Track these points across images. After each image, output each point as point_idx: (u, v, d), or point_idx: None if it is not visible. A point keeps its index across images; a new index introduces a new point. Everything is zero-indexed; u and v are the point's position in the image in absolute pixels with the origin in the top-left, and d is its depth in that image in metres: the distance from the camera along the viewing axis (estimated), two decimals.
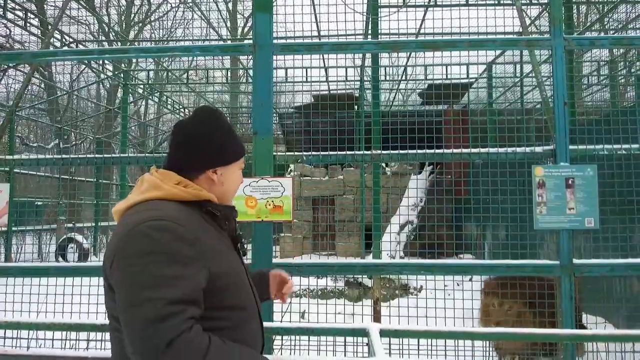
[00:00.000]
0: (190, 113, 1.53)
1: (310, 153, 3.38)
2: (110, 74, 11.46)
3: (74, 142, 19.50)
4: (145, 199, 1.35)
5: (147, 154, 3.70)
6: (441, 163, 9.75)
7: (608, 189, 3.51)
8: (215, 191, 1.47)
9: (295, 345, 3.05)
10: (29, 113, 15.23)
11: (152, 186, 1.38)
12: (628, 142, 3.32)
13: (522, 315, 3.55)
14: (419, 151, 3.27)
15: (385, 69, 10.56)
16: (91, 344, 3.39)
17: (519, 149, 3.19)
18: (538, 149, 3.18)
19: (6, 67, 10.01)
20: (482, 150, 3.22)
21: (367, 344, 2.08)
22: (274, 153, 3.31)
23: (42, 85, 16.99)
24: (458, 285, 4.25)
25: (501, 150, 3.21)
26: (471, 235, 8.30)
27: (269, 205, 3.26)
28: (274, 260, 3.20)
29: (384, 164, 10.55)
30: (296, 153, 3.40)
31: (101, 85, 21.57)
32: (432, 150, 3.26)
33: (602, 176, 3.14)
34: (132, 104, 19.30)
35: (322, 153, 3.38)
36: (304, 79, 9.76)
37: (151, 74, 12.73)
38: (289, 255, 10.65)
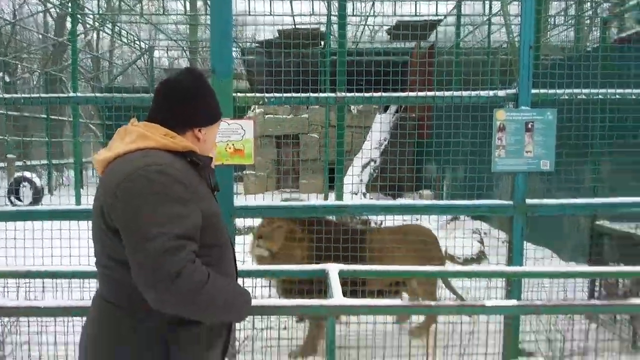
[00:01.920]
0: (179, 72, 1.60)
1: (272, 95, 3.26)
2: (57, 2, 10.52)
3: (20, 76, 18.28)
4: (136, 148, 1.43)
5: (97, 95, 3.47)
6: (406, 107, 9.74)
7: (565, 133, 3.59)
8: (198, 146, 1.59)
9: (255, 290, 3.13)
10: None
11: (140, 137, 1.46)
12: (588, 87, 3.36)
13: (294, 233, 3.39)
14: (384, 94, 3.20)
15: (353, 3, 10.16)
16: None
17: (482, 93, 3.18)
18: (501, 93, 3.18)
19: None
20: (446, 93, 3.18)
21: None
22: (234, 94, 3.17)
23: None
24: (417, 220, 4.37)
25: (465, 93, 3.18)
26: (432, 174, 8.50)
27: (229, 148, 3.17)
28: (236, 203, 3.17)
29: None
30: (257, 94, 3.26)
31: (49, 15, 19.91)
32: (396, 94, 3.20)
33: (560, 120, 3.20)
34: (83, 35, 18.00)
35: (284, 95, 3.26)
36: (268, 12, 9.28)
37: (103, 3, 11.80)
38: (253, 193, 10.66)
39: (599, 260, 3.63)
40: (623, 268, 2.72)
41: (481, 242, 5.72)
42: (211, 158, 1.65)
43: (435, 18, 9.20)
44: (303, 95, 3.29)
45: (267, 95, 3.29)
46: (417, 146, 8.28)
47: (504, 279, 3.06)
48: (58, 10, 16.17)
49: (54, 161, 12.51)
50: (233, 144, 3.20)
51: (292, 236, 3.35)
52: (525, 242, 3.21)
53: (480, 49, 8.93)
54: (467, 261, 5.30)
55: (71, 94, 3.46)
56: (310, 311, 1.75)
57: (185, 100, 1.54)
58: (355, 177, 8.66)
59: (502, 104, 3.23)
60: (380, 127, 9.53)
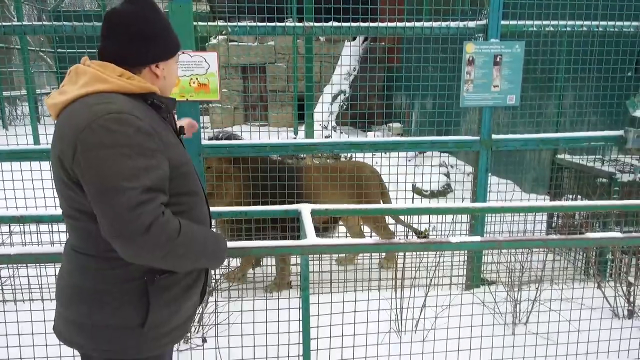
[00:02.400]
0: (124, 1, 1.43)
1: (236, 24, 3.10)
2: None
3: None
4: (90, 91, 1.32)
5: (45, 23, 3.20)
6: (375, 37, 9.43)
7: (531, 67, 3.60)
8: (157, 85, 1.47)
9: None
10: None
11: (94, 78, 1.34)
12: (557, 18, 3.33)
13: (227, 171, 3.30)
14: (353, 24, 3.10)
15: None
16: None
17: (452, 24, 3.11)
18: (471, 24, 3.12)
19: None
20: (416, 24, 3.10)
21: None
22: (195, 23, 2.99)
23: None
24: (385, 153, 4.40)
25: (435, 24, 3.11)
26: (401, 105, 8.48)
27: (193, 83, 3.05)
28: (203, 142, 3.11)
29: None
30: (220, 23, 3.09)
31: None
32: (365, 24, 3.10)
33: (527, 53, 3.20)
34: None
35: (249, 24, 3.10)
36: None
37: None
38: (220, 127, 10.43)
39: (558, 192, 3.81)
40: (576, 203, 2.88)
41: (447, 175, 5.87)
42: (174, 99, 1.54)
43: None
44: (269, 24, 3.15)
45: (230, 24, 3.13)
46: (387, 77, 8.17)
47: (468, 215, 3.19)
48: None
49: (5, 94, 11.74)
50: (197, 78, 3.07)
51: (225, 175, 3.26)
52: (489, 175, 3.32)
53: None
54: (433, 194, 5.46)
55: (16, 23, 3.18)
56: (286, 251, 1.79)
57: (137, 34, 1.39)
58: (325, 106, 8.57)
59: (471, 37, 3.18)
60: (350, 56, 9.30)
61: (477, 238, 1.85)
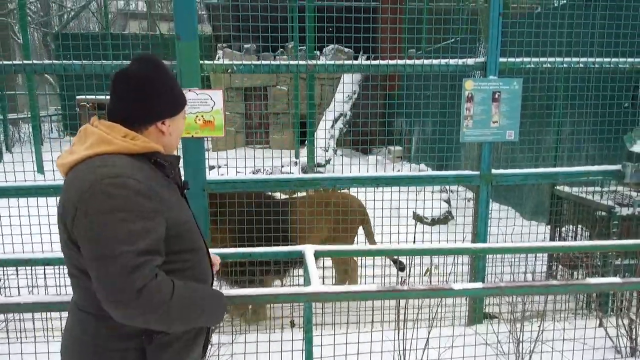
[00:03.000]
0: (132, 61, 1.48)
1: (241, 62, 3.17)
2: None
3: None
4: (94, 153, 1.37)
5: (54, 62, 3.27)
6: (376, 56, 9.59)
7: (529, 103, 3.67)
8: (163, 142, 1.50)
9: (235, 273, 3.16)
10: None
11: (100, 140, 1.38)
12: (554, 51, 3.41)
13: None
14: (355, 62, 3.18)
15: None
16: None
17: (451, 61, 3.19)
18: (470, 62, 3.19)
19: None
20: (417, 62, 3.18)
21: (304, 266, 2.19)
22: (201, 62, 3.07)
23: None
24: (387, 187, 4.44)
25: (434, 62, 3.19)
26: (402, 129, 8.56)
27: (199, 120, 3.11)
28: (208, 177, 3.15)
29: (318, 52, 10.18)
30: (226, 62, 3.17)
31: None
32: (367, 62, 3.19)
33: (525, 88, 3.26)
34: None
35: (254, 62, 3.18)
36: None
37: None
38: (222, 149, 10.50)
39: (558, 221, 3.84)
40: (576, 244, 2.90)
41: (448, 201, 5.91)
42: (178, 157, 1.57)
43: None
44: (273, 63, 3.23)
45: (235, 62, 3.20)
46: (387, 100, 8.26)
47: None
48: None
49: (10, 116, 11.83)
50: (202, 116, 3.13)
51: (211, 210, 3.25)
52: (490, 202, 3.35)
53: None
54: (434, 221, 5.49)
55: (26, 62, 3.25)
56: (290, 299, 1.82)
57: (142, 93, 1.43)
58: (326, 132, 8.64)
59: (470, 74, 3.25)
60: (347, 81, 9.41)
61: (479, 285, 1.88)
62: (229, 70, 3.16)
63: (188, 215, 1.50)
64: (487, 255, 3.28)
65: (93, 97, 9.71)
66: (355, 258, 3.70)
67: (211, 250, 1.97)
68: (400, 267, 3.76)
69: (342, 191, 3.92)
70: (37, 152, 8.07)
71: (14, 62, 3.20)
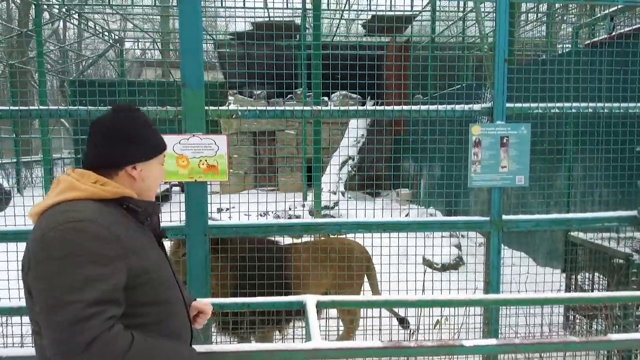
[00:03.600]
0: (107, 110, 1.54)
1: (246, 108, 3.17)
2: None
3: None
4: (62, 200, 1.33)
5: (60, 108, 3.31)
6: (382, 102, 9.71)
7: (538, 147, 3.61)
8: (136, 187, 1.48)
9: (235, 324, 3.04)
10: None
11: (69, 186, 1.36)
12: (562, 96, 3.37)
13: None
14: (360, 108, 3.16)
15: None
16: None
17: (457, 107, 3.16)
18: (476, 107, 3.16)
19: None
20: (422, 107, 3.16)
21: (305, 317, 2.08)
22: (206, 107, 3.08)
23: None
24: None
25: (440, 107, 3.16)
26: (409, 172, 8.52)
27: (203, 164, 3.08)
28: (210, 222, 3.09)
29: (326, 98, 10.34)
30: (230, 108, 3.18)
31: (12, 3, 19.07)
32: (372, 107, 3.16)
33: (534, 134, 3.21)
34: (50, 24, 17.30)
35: (259, 108, 3.18)
36: (242, 4, 9.09)
37: None
38: (230, 192, 10.51)
39: (573, 268, 3.69)
40: (594, 295, 2.76)
41: (458, 247, 5.77)
42: (154, 203, 1.54)
43: (411, 12, 9.16)
44: (278, 108, 3.22)
45: (240, 109, 3.20)
46: (394, 143, 8.28)
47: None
48: None
49: (24, 159, 12.06)
50: (206, 160, 3.11)
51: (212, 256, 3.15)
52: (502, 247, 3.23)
53: (455, 44, 8.94)
54: (444, 267, 5.34)
55: (40, 107, 3.28)
56: (288, 355, 1.70)
57: (112, 140, 1.43)
58: (333, 175, 8.62)
59: (476, 119, 3.22)
60: (354, 124, 9.49)
61: (493, 341, 1.75)
62: (233, 116, 3.16)
63: (158, 264, 1.43)
64: (500, 308, 3.13)
65: None
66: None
67: (205, 300, 1.89)
68: (403, 323, 3.61)
69: (344, 237, 3.81)
70: (46, 189, 8.15)
71: (30, 108, 3.22)
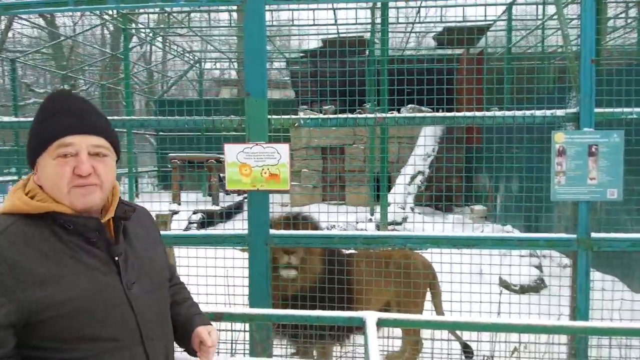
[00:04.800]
0: None
1: (308, 116, 3.13)
2: (108, 18, 10.97)
3: (81, 88, 19.28)
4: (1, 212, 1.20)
5: (145, 118, 3.47)
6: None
7: (634, 158, 3.21)
8: (50, 194, 1.22)
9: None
10: (34, 58, 14.92)
11: (7, 197, 1.23)
12: None
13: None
14: (427, 114, 2.99)
15: (397, 10, 9.91)
16: None
17: (537, 112, 2.88)
18: (559, 112, 2.87)
19: None
20: (497, 113, 2.92)
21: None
22: (269, 116, 3.06)
23: (46, 31, 16.52)
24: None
25: (518, 113, 2.90)
26: (483, 186, 8.06)
27: (265, 173, 3.06)
28: (272, 232, 3.04)
29: (395, 112, 10.15)
30: (293, 116, 3.14)
31: (105, 29, 20.94)
32: (441, 114, 2.97)
33: (629, 142, 2.85)
34: (139, 47, 18.73)
35: (321, 116, 3.12)
36: (312, 22, 9.21)
37: (155, 17, 12.19)
38: (299, 205, 10.58)
39: None
40: None
41: (539, 267, 5.29)
42: (95, 218, 1.24)
43: (485, 23, 8.78)
44: (340, 116, 3.13)
45: (302, 117, 3.16)
46: (468, 158, 7.89)
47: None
48: (112, 26, 16.93)
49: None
50: (268, 169, 3.08)
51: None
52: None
53: (534, 55, 8.41)
54: (523, 289, 4.90)
55: (132, 117, 3.47)
56: None
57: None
58: (402, 190, 8.38)
59: (560, 126, 2.92)
60: (427, 137, 9.19)
61: None
62: (295, 124, 3.11)
63: (94, 293, 1.18)
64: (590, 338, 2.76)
65: (183, 154, 10.44)
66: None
67: (209, 327, 1.49)
68: (467, 353, 3.32)
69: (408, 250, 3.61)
70: (130, 199, 8.71)
71: (115, 117, 3.40)
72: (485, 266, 3.37)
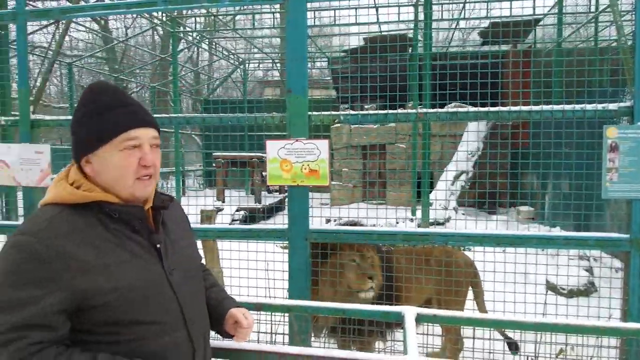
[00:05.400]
0: None
1: (348, 112, 3.13)
2: (157, 22, 11.38)
3: (133, 91, 20.10)
4: (43, 202, 1.25)
5: (193, 115, 3.59)
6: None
7: None
8: (102, 184, 1.26)
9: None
10: (89, 62, 15.69)
11: (49, 189, 1.26)
12: None
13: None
14: (471, 109, 2.92)
15: (442, 5, 9.72)
16: None
17: (588, 106, 2.76)
18: (612, 106, 2.73)
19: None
20: (545, 107, 2.81)
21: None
22: (310, 112, 3.09)
23: (100, 35, 17.34)
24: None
25: (567, 107, 2.79)
26: (530, 186, 7.78)
27: (305, 169, 3.09)
28: (312, 226, 3.07)
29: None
30: (333, 112, 3.15)
31: (156, 32, 21.73)
32: (485, 109, 2.90)
33: None
34: (186, 50, 19.34)
35: (361, 112, 3.11)
36: (354, 21, 9.20)
37: (201, 20, 12.54)
38: (339, 204, 10.59)
39: None
40: None
41: (589, 270, 5.05)
42: (140, 207, 1.28)
43: (533, 17, 8.47)
44: (380, 112, 3.12)
45: (342, 113, 3.17)
46: (514, 156, 7.64)
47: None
48: (162, 29, 17.54)
49: (161, 170, 13.52)
50: (308, 165, 3.11)
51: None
52: None
53: (585, 50, 8.02)
54: (572, 293, 4.69)
55: (178, 115, 3.62)
56: None
57: (72, 127, 1.27)
58: (446, 186, 8.22)
59: (612, 120, 2.78)
60: (470, 136, 8.96)
61: None
62: (335, 120, 3.13)
63: (141, 280, 1.23)
64: None
65: (227, 153, 10.70)
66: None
67: (242, 309, 1.55)
68: (511, 346, 3.23)
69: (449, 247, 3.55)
70: (177, 196, 9.08)
71: (163, 115, 3.55)
72: (531, 268, 3.25)
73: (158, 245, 1.31)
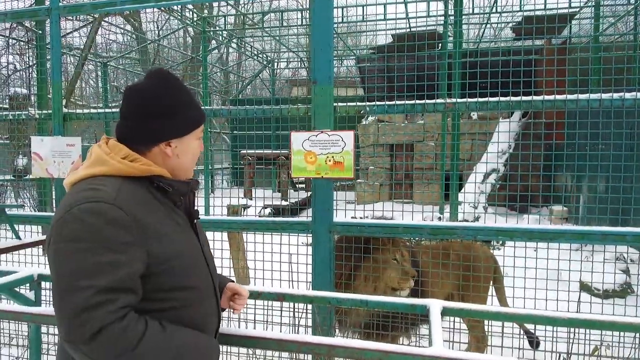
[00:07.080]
0: (145, 74, 1.39)
1: (374, 103, 3.08)
2: (188, 22, 11.56)
3: None
4: (89, 174, 1.28)
5: (222, 107, 3.63)
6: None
7: None
8: (170, 165, 1.39)
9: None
10: (123, 63, 16.09)
11: (97, 160, 1.29)
12: None
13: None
14: (502, 98, 2.82)
15: (473, 1, 9.51)
16: None
17: (627, 95, 2.63)
18: None
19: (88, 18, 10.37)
20: (581, 96, 2.69)
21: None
22: (335, 104, 3.06)
23: (133, 36, 17.77)
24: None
25: (604, 96, 2.66)
26: (564, 185, 7.52)
27: (329, 161, 3.05)
28: (335, 219, 3.04)
29: None
30: (359, 104, 3.11)
31: (187, 33, 22.13)
32: (517, 98, 2.79)
33: None
34: (216, 49, 19.60)
35: (387, 103, 3.06)
36: (383, 17, 9.10)
37: (231, 19, 12.69)
38: (365, 202, 10.51)
39: None
40: None
41: (626, 272, 4.82)
42: (188, 183, 1.41)
43: (569, 10, 8.18)
44: (407, 102, 3.05)
45: (368, 104, 3.12)
46: (548, 154, 7.40)
47: None
48: (193, 29, 17.83)
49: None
50: (333, 156, 3.08)
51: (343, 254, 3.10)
52: None
53: (624, 44, 7.69)
54: (607, 294, 4.49)
55: (205, 107, 3.67)
56: (401, 359, 1.52)
57: (144, 112, 1.32)
58: (475, 189, 8.04)
59: None
60: (501, 134, 8.73)
61: None
62: (361, 111, 3.08)
63: (187, 249, 1.33)
64: None
65: (254, 151, 10.76)
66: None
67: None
68: (532, 341, 3.14)
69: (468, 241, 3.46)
70: (206, 197, 9.23)
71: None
72: (564, 267, 3.12)
73: (195, 221, 1.44)
